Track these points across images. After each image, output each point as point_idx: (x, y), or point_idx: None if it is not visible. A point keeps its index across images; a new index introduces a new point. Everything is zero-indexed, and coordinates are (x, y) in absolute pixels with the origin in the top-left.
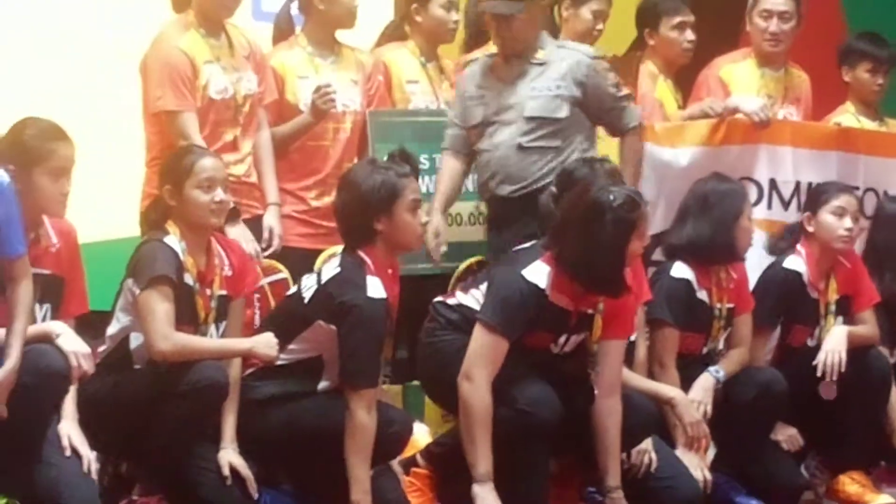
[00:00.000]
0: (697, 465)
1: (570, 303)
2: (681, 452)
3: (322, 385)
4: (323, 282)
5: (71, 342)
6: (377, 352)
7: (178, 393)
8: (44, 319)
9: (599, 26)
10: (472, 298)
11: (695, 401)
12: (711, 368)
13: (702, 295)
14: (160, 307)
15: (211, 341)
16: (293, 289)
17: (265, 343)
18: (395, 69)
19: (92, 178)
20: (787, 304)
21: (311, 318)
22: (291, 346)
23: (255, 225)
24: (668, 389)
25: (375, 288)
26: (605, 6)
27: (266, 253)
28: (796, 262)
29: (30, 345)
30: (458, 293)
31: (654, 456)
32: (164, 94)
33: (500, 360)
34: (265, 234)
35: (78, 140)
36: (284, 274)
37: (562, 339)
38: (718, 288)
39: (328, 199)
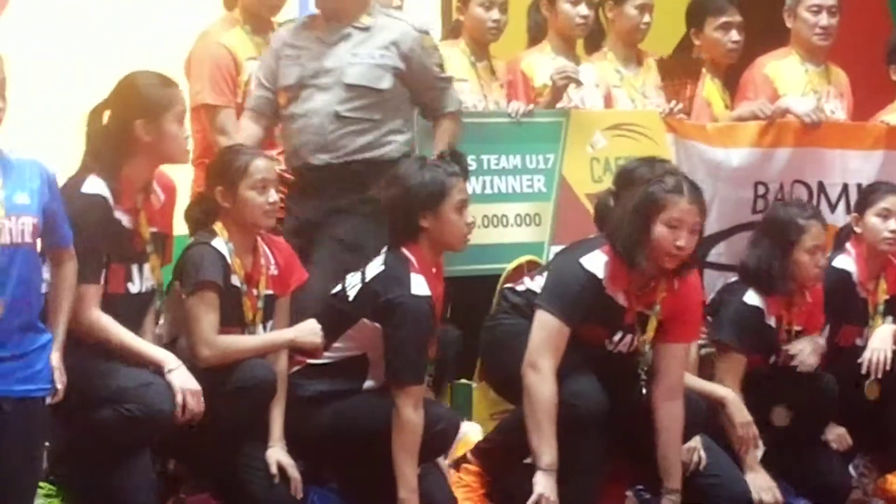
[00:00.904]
0: (768, 487)
1: (626, 299)
2: (751, 477)
3: (368, 384)
4: (367, 280)
5: (182, 379)
6: (423, 349)
7: (227, 392)
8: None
9: (646, 19)
10: (537, 284)
11: None
12: None
13: (771, 321)
14: (205, 314)
15: (254, 338)
16: (338, 287)
17: (309, 330)
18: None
19: None
20: (836, 304)
21: (356, 316)
22: (337, 345)
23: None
24: (720, 389)
25: (420, 285)
26: None
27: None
28: (846, 261)
29: (141, 368)
30: (526, 279)
31: (703, 454)
32: (204, 88)
33: (563, 346)
34: None
35: None
36: None
37: (616, 337)
38: (789, 312)
39: None
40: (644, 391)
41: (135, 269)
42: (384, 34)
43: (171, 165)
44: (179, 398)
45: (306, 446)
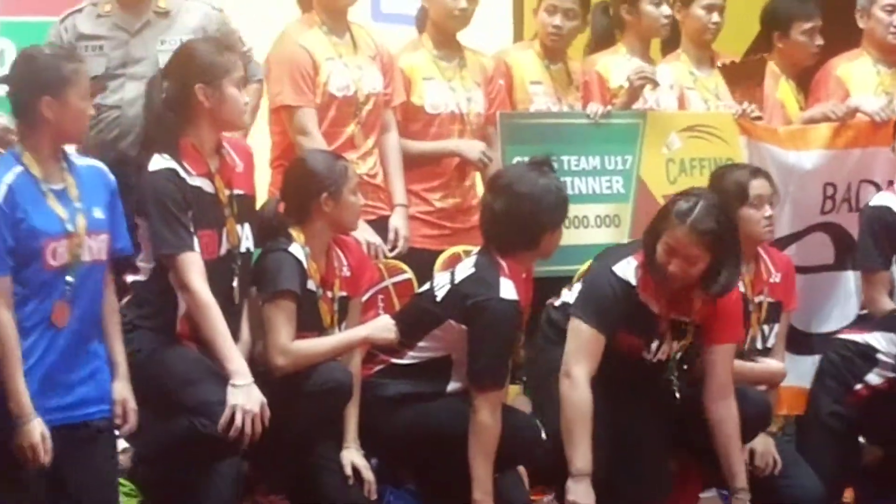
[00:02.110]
0: None
1: (658, 306)
2: None
3: (451, 386)
4: (456, 281)
5: (241, 398)
6: (506, 353)
7: (304, 394)
8: (248, 240)
9: (715, 18)
10: (573, 296)
11: None
12: None
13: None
14: (282, 322)
15: (327, 340)
16: (425, 286)
17: (382, 327)
18: (518, 70)
19: None
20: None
21: (443, 317)
22: (421, 344)
23: (379, 226)
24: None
25: (508, 289)
26: None
27: (391, 254)
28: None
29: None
30: (564, 290)
31: (777, 457)
32: (283, 89)
33: (598, 354)
34: (390, 236)
35: None
36: (409, 274)
37: (654, 346)
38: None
39: (452, 201)
40: (677, 395)
41: (218, 232)
42: (186, 18)
43: None
44: (228, 413)
45: (385, 446)
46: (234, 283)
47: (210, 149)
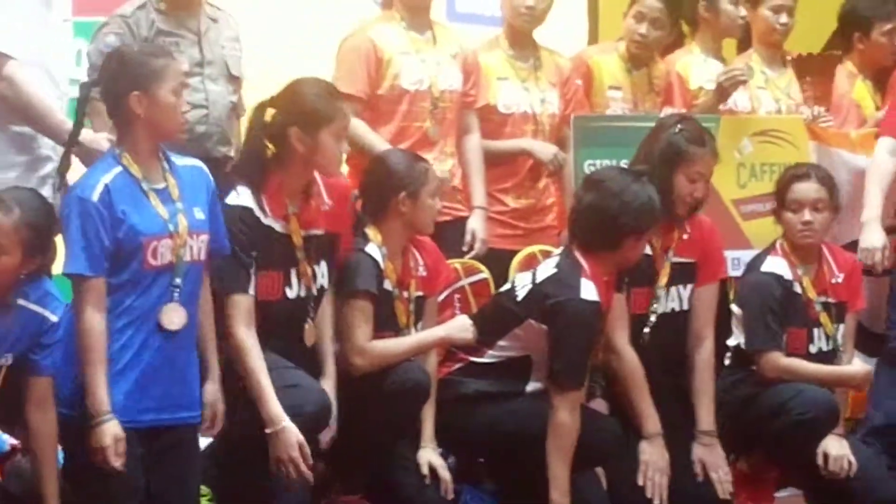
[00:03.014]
0: None
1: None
2: None
3: (531, 386)
4: (538, 281)
5: (277, 445)
6: (585, 354)
7: (382, 394)
8: (322, 278)
9: (783, 20)
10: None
11: None
12: None
13: None
14: (359, 323)
15: (405, 340)
16: (507, 286)
17: (459, 327)
18: (599, 73)
19: None
20: None
21: (524, 317)
22: (501, 343)
23: (455, 227)
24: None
25: (589, 291)
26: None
27: (468, 256)
28: None
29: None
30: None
31: (853, 460)
32: (338, 76)
33: (625, 315)
34: (468, 238)
35: None
36: (485, 274)
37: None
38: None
39: (525, 201)
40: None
41: (293, 273)
42: (228, 24)
43: None
44: (273, 467)
45: (463, 443)
46: (307, 325)
47: (296, 190)
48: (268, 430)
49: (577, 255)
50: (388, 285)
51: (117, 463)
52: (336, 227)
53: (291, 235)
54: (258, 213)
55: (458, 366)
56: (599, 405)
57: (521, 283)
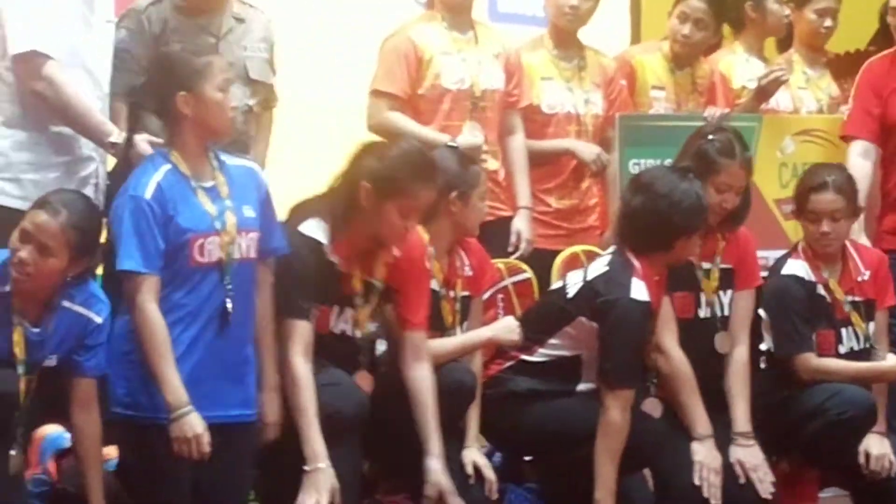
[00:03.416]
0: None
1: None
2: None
3: (582, 386)
4: (589, 278)
5: (308, 489)
6: (636, 353)
7: None
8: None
9: (827, 23)
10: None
11: None
12: None
13: None
14: None
15: (452, 341)
16: (558, 284)
17: (506, 328)
18: (642, 73)
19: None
20: None
21: (574, 314)
22: (552, 342)
23: (498, 227)
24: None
25: (640, 290)
26: (832, 3)
27: (513, 256)
28: None
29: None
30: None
31: (893, 459)
32: (377, 74)
33: (673, 319)
34: (512, 238)
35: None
36: (529, 274)
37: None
38: None
39: (568, 202)
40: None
41: (335, 309)
42: (255, 26)
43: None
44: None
45: (511, 440)
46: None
47: (367, 240)
48: (306, 468)
49: (629, 254)
50: (434, 285)
51: (208, 449)
52: (398, 282)
53: (352, 277)
54: (326, 248)
55: (508, 364)
56: (653, 405)
57: (573, 281)
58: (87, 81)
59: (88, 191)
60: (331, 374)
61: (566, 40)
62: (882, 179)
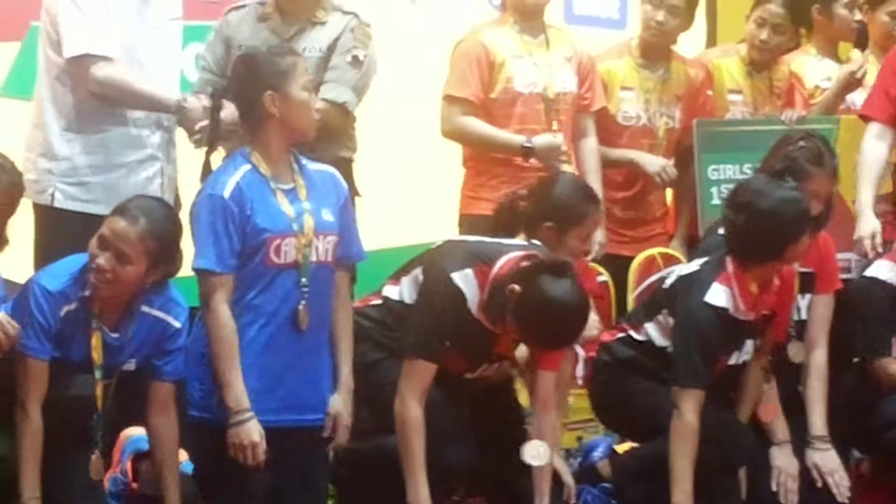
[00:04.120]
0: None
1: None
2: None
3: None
4: (681, 273)
5: None
6: (705, 356)
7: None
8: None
9: None
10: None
11: None
12: None
13: None
14: None
15: None
16: (664, 272)
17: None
18: (719, 77)
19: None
20: None
21: (662, 306)
22: (648, 325)
23: None
24: None
25: (718, 296)
26: None
27: (587, 259)
28: None
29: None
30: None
31: None
32: (450, 80)
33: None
34: None
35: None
36: (605, 277)
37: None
38: None
39: (633, 213)
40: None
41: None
42: (331, 29)
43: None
44: None
45: (607, 411)
46: None
47: None
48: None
49: (728, 259)
50: None
51: (263, 458)
52: None
53: (504, 340)
54: (470, 303)
55: (619, 335)
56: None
57: (674, 273)
58: (143, 77)
59: (153, 190)
60: (444, 416)
61: (654, 51)
62: None
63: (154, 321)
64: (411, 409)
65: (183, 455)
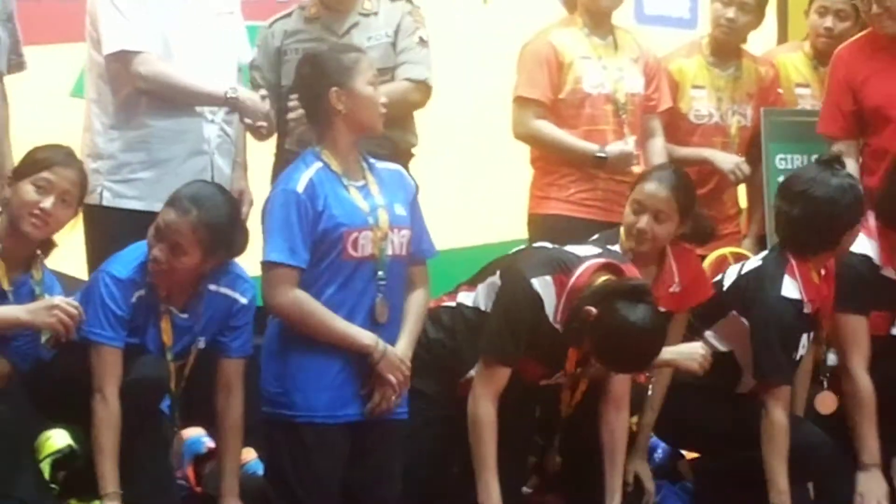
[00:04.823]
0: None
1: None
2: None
3: (742, 387)
4: (743, 272)
5: None
6: (787, 350)
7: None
8: None
9: None
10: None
11: None
12: None
13: None
14: None
15: None
16: (718, 277)
17: (688, 354)
18: (785, 72)
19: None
20: None
21: (727, 308)
22: (708, 333)
23: None
24: None
25: (790, 288)
26: None
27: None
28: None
29: None
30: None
31: None
32: (519, 81)
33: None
34: None
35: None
36: None
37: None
38: None
39: (705, 211)
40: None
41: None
42: (388, 17)
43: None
44: None
45: (672, 433)
46: None
47: None
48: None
49: (787, 253)
50: None
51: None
52: None
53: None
54: (548, 311)
55: None
56: (825, 400)
57: (730, 274)
58: (187, 71)
59: None
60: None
61: (724, 49)
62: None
63: (221, 298)
64: (484, 408)
65: (251, 454)
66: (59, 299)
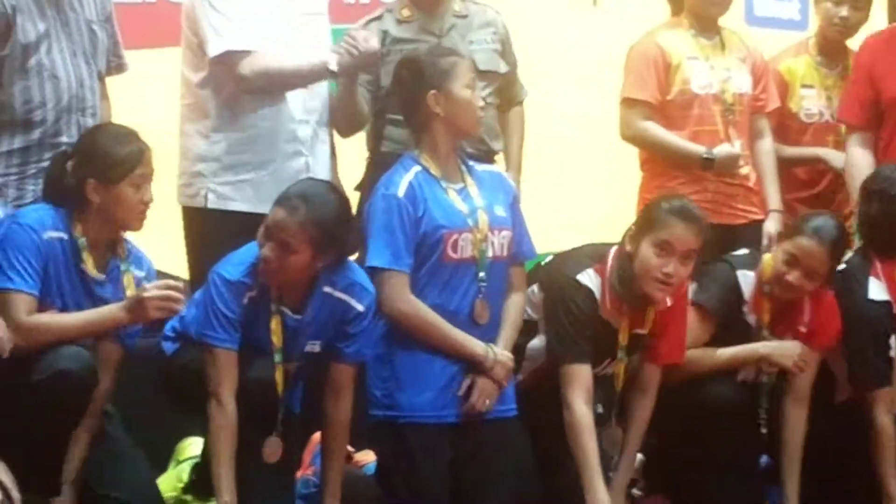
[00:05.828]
0: None
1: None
2: None
3: (839, 395)
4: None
5: None
6: (879, 352)
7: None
8: None
9: None
10: None
11: None
12: None
13: None
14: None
15: (723, 352)
16: None
17: (782, 349)
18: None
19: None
20: None
21: None
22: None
23: (749, 230)
24: None
25: (877, 290)
26: None
27: None
28: None
29: None
30: None
31: None
32: (626, 81)
33: None
34: (764, 241)
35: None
36: None
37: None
38: None
39: None
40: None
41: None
42: (481, 18)
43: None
44: None
45: None
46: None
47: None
48: None
49: (871, 253)
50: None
51: None
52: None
53: (620, 333)
54: (599, 302)
55: None
56: None
57: None
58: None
59: None
60: None
61: (832, 48)
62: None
63: (336, 303)
64: (578, 411)
65: (370, 455)
66: (148, 289)
